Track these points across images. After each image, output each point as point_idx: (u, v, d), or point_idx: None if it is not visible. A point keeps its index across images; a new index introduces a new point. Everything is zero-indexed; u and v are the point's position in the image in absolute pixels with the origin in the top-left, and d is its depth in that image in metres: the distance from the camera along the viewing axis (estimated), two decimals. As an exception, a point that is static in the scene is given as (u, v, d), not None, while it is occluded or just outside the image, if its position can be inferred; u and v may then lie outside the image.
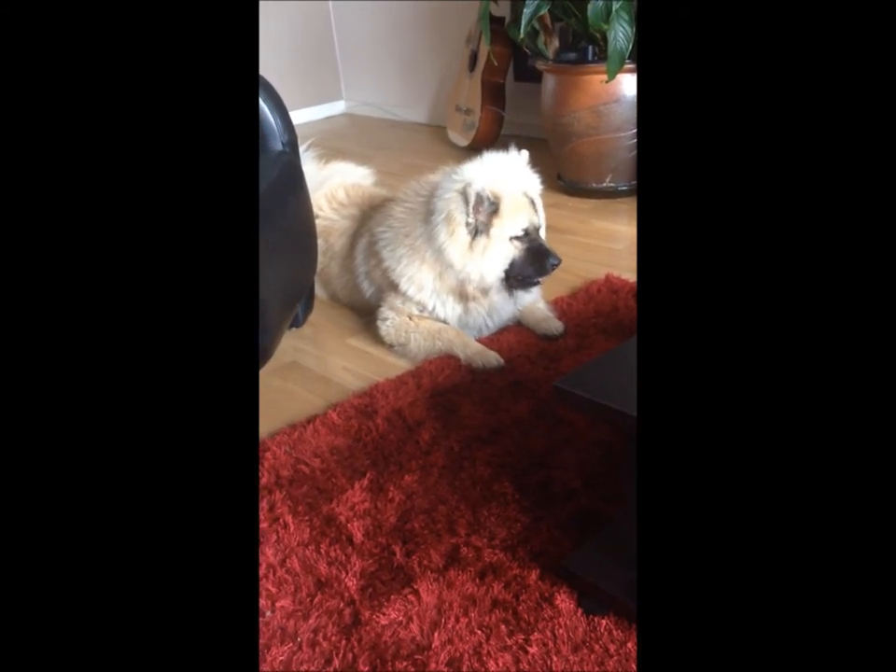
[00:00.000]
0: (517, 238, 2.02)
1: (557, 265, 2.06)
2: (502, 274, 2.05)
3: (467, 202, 1.96)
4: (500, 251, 2.01)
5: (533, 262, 2.04)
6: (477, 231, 2.00)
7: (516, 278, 2.06)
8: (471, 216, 1.98)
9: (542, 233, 2.12)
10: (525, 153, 2.13)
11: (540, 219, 2.09)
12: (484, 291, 2.08)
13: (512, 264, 2.04)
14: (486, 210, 1.98)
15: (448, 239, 2.01)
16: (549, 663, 1.16)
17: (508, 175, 2.05)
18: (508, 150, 2.13)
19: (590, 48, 2.98)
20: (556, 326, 2.13)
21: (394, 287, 2.15)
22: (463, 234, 2.00)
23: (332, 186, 2.52)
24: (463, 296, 2.10)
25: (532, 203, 2.05)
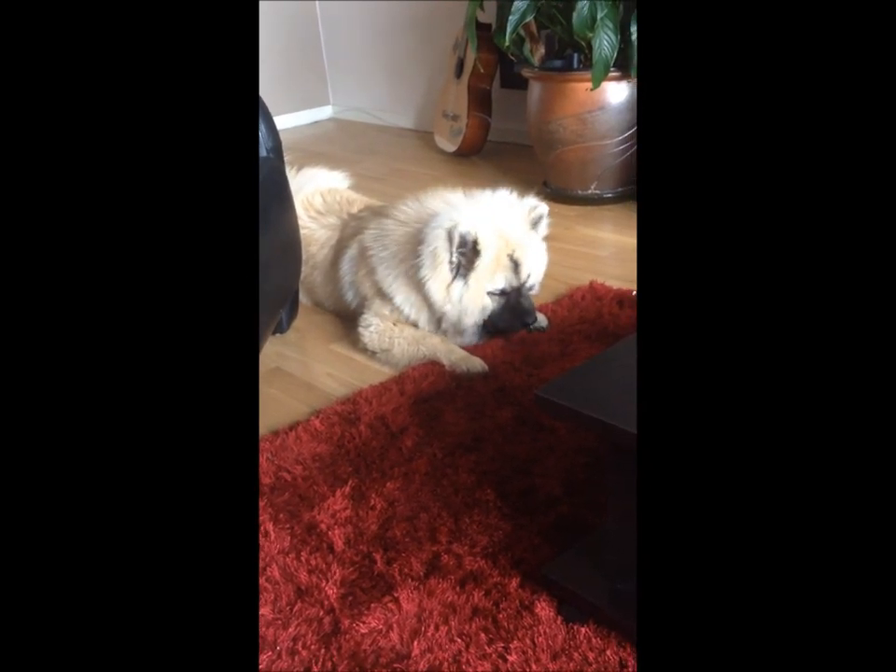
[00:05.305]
0: (494, 294, 2.05)
1: (531, 324, 2.08)
2: (479, 322, 2.08)
3: (451, 241, 1.98)
4: (476, 302, 2.05)
5: (510, 317, 2.07)
6: (457, 273, 2.02)
7: (494, 326, 2.10)
8: (454, 255, 2.00)
9: (536, 284, 2.13)
10: (543, 208, 2.12)
11: (531, 277, 2.09)
12: (458, 331, 2.12)
13: (490, 315, 2.08)
14: (468, 255, 2.00)
15: (431, 273, 2.02)
16: (528, 671, 1.16)
17: (501, 228, 2.03)
18: (526, 197, 2.14)
19: (575, 55, 3.00)
20: (539, 319, 2.15)
21: (384, 297, 2.16)
22: (445, 272, 2.02)
23: (308, 192, 2.51)
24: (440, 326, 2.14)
25: (516, 265, 2.03)
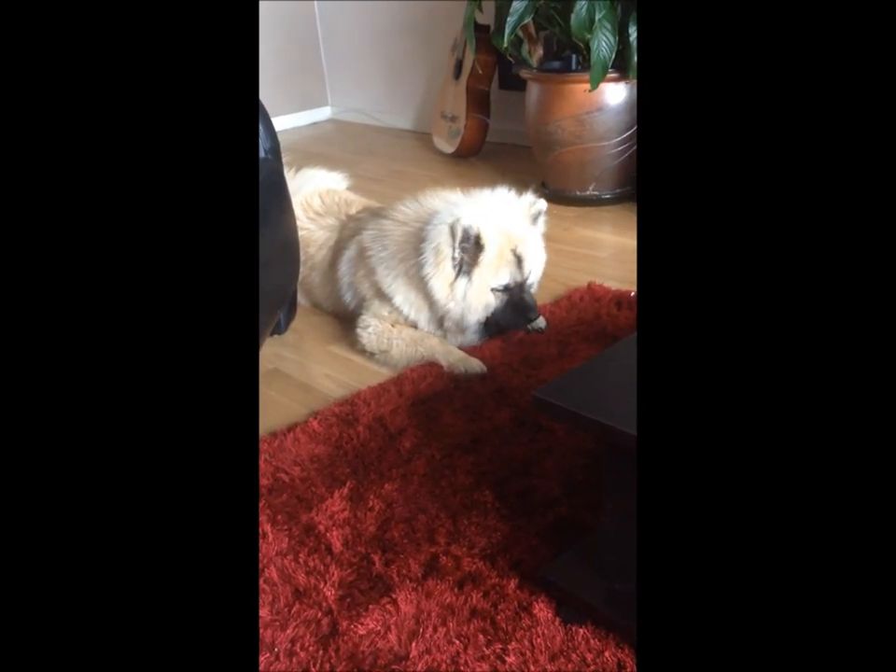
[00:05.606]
0: (498, 290, 2.04)
1: (535, 319, 2.09)
2: (482, 319, 2.07)
3: (454, 236, 1.97)
4: (480, 298, 2.04)
5: (513, 314, 2.07)
6: (461, 270, 2.01)
7: (496, 324, 2.09)
8: (457, 251, 1.99)
9: (535, 282, 2.13)
10: (542, 203, 2.12)
11: (532, 274, 2.09)
12: (461, 329, 2.11)
13: (493, 313, 2.07)
14: (470, 250, 1.99)
15: (434, 271, 2.02)
16: (526, 672, 1.16)
17: (503, 224, 2.03)
18: (524, 193, 2.13)
19: (573, 57, 3.00)
20: (538, 320, 2.15)
21: (384, 297, 2.15)
22: (448, 269, 2.01)
23: (307, 193, 2.51)
24: (441, 325, 2.14)
25: (519, 260, 2.03)
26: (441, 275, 2.02)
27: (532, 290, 2.13)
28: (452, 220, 1.98)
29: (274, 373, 2.14)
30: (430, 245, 2.01)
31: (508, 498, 1.52)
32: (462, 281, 2.02)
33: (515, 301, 2.05)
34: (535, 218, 2.12)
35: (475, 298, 2.03)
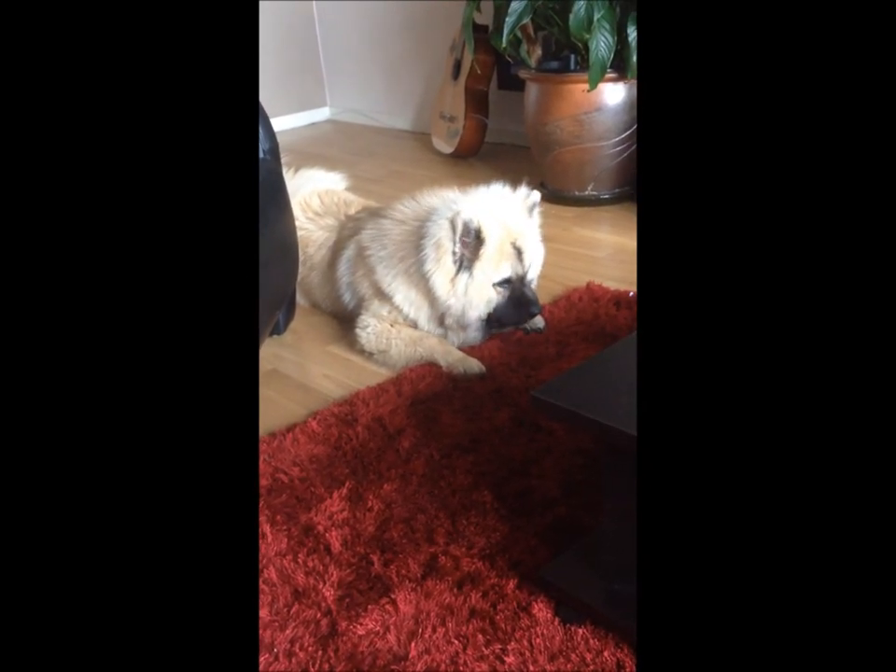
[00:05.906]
0: (500, 285, 2.04)
1: (538, 313, 2.09)
2: (484, 315, 2.07)
3: (454, 230, 1.97)
4: (482, 294, 2.03)
5: (515, 309, 2.06)
6: (461, 265, 2.01)
7: (498, 321, 2.09)
8: (457, 245, 1.98)
9: (535, 277, 2.13)
10: (536, 195, 2.13)
11: (532, 268, 2.09)
12: (462, 326, 2.11)
13: (495, 308, 2.06)
14: (471, 244, 1.99)
15: (435, 266, 2.01)
16: (526, 672, 1.16)
17: (502, 217, 2.03)
18: (518, 188, 2.13)
19: (572, 57, 3.00)
20: (537, 320, 2.14)
21: (383, 297, 2.15)
22: (449, 264, 2.01)
23: (306, 194, 2.51)
24: (441, 323, 2.14)
25: (519, 253, 2.03)
26: (442, 270, 2.01)
27: (532, 285, 2.13)
28: (451, 214, 1.98)
29: (273, 374, 2.14)
30: (431, 240, 2.01)
31: (507, 499, 1.52)
32: (463, 276, 2.01)
33: (517, 295, 2.05)
34: (531, 210, 2.12)
35: (476, 293, 2.02)
